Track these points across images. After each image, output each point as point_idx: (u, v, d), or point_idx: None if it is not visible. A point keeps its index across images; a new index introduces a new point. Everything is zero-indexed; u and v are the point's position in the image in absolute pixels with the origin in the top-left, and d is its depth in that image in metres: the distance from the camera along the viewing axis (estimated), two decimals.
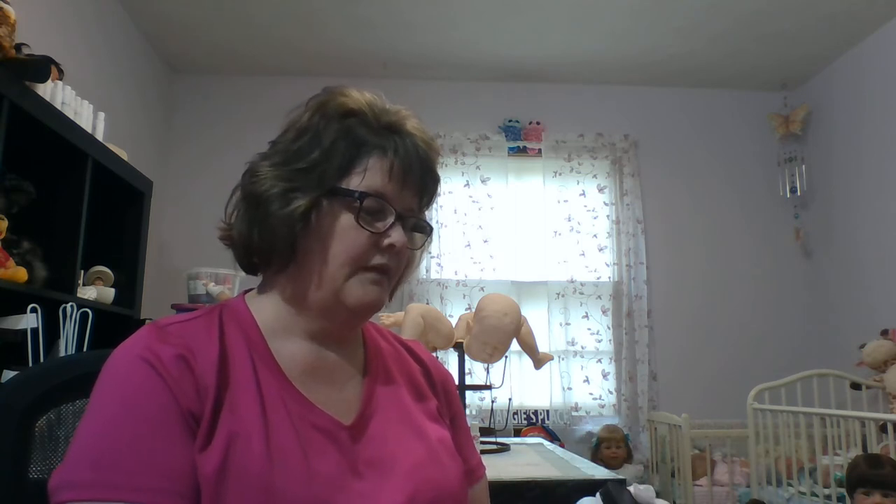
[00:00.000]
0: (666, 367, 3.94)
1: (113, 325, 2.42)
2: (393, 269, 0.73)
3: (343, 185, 0.70)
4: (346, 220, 0.69)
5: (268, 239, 0.70)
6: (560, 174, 4.11)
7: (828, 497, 2.62)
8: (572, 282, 3.98)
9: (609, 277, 4.05)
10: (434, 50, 3.84)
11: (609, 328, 3.99)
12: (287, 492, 0.60)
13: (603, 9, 3.40)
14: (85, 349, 2.10)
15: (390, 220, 0.71)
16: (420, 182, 0.74)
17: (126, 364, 0.62)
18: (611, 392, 3.91)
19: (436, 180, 0.77)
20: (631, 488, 0.73)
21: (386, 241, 0.71)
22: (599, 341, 3.97)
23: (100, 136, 2.50)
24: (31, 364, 1.87)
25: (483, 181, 4.08)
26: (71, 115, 2.28)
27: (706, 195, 4.17)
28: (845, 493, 2.31)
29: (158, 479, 0.57)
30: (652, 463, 3.65)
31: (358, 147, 0.70)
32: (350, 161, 0.70)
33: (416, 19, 3.52)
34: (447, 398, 0.85)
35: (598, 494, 0.73)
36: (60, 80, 2.28)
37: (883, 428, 2.71)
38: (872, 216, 3.60)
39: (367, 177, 0.70)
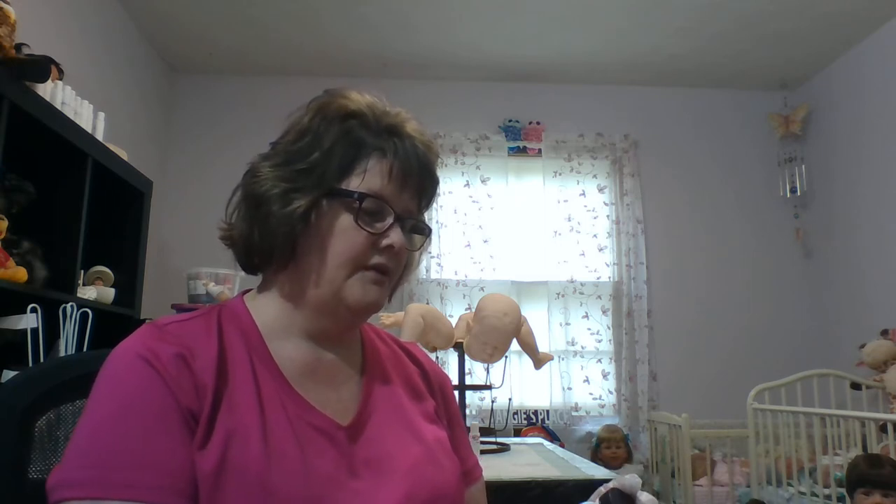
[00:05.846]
0: (666, 367, 3.94)
1: (113, 325, 2.42)
2: (392, 269, 0.73)
3: (343, 185, 0.70)
4: (346, 220, 0.70)
5: (268, 238, 0.70)
6: (560, 174, 4.11)
7: (828, 497, 2.62)
8: (572, 282, 3.98)
9: (609, 277, 4.05)
10: (434, 50, 3.84)
11: (609, 328, 3.99)
12: (284, 490, 0.60)
13: (603, 9, 3.40)
14: (85, 349, 2.10)
15: (389, 220, 0.72)
16: (419, 184, 0.74)
17: (125, 362, 0.62)
18: (611, 392, 3.91)
19: (435, 182, 0.77)
20: (643, 497, 0.70)
21: (384, 242, 0.71)
22: (599, 341, 3.97)
23: (100, 136, 2.50)
24: (31, 364, 1.87)
25: (483, 181, 4.08)
26: (71, 115, 2.28)
27: (706, 195, 4.17)
28: (845, 493, 2.31)
29: (157, 476, 0.57)
30: (652, 463, 3.65)
31: (357, 148, 0.71)
32: (350, 162, 0.71)
33: (416, 19, 3.52)
34: (444, 400, 0.85)
35: (597, 502, 0.71)
36: (60, 80, 2.28)
37: (883, 428, 2.70)
38: (872, 216, 3.60)
39: (367, 178, 0.70)
